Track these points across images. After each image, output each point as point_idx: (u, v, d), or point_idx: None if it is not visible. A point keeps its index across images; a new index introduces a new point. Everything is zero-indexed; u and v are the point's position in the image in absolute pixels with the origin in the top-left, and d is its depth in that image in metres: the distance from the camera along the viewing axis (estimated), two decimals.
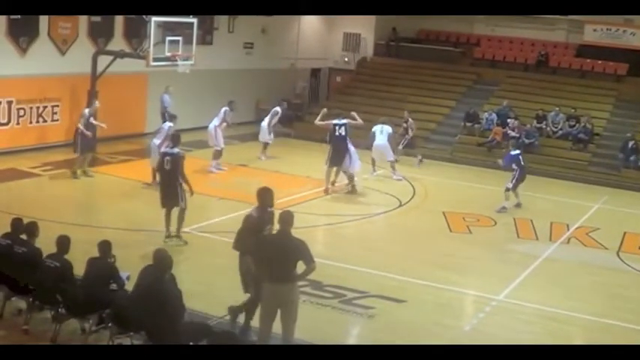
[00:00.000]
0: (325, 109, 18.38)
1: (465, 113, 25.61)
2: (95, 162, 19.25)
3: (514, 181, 17.27)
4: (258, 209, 9.23)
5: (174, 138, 13.10)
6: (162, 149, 13.60)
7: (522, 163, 17.50)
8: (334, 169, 17.54)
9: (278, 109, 21.61)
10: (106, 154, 19.95)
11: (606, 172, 22.80)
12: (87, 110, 17.20)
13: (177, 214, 12.76)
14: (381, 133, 19.44)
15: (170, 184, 12.65)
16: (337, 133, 17.34)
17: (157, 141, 16.63)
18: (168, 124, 16.80)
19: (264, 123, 21.20)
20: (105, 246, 8.91)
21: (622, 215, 18.22)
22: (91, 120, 16.91)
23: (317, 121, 18.22)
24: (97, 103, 17.49)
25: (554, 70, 27.99)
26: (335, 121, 17.45)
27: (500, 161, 18.49)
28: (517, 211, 17.15)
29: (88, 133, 16.84)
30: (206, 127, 19.32)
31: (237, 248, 9.28)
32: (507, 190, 17.25)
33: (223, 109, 19.26)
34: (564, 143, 24.26)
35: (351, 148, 17.48)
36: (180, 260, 8.82)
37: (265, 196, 9.27)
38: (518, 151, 17.89)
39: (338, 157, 17.32)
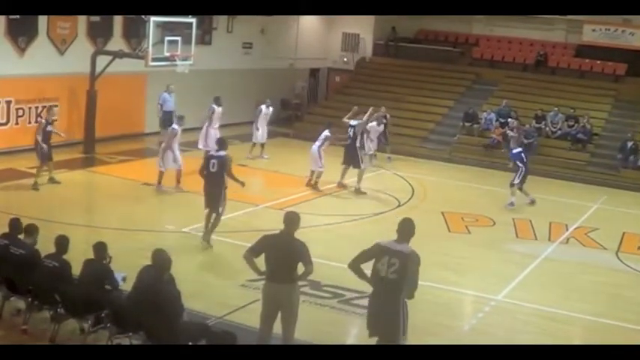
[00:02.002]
0: (356, 107, 18.72)
1: (464, 113, 25.62)
2: (94, 162, 19.32)
3: (520, 177, 17.67)
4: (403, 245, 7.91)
5: (221, 142, 13.13)
6: (210, 152, 13.42)
7: (525, 160, 17.86)
8: (345, 167, 18.07)
9: (262, 107, 21.36)
10: (105, 154, 19.97)
11: (605, 172, 22.82)
12: (44, 120, 16.31)
13: (212, 219, 12.78)
14: None
15: (215, 186, 12.67)
16: (348, 134, 17.96)
17: (164, 144, 16.64)
18: (174, 125, 16.72)
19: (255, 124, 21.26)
20: (100, 248, 8.89)
21: (621, 215, 18.24)
22: (49, 128, 16.00)
23: (344, 119, 18.62)
24: (55, 111, 16.83)
25: (553, 70, 28.01)
26: (352, 122, 18.06)
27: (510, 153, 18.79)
28: (516, 211, 17.19)
29: (44, 145, 15.77)
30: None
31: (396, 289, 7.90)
32: (512, 185, 17.69)
33: (209, 107, 19.23)
34: (563, 143, 24.28)
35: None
36: (179, 260, 8.80)
37: (409, 228, 7.99)
38: (520, 149, 18.23)
39: (346, 157, 17.96)
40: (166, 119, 21.40)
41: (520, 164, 17.74)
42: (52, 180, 16.30)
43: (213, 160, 12.70)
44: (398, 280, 7.65)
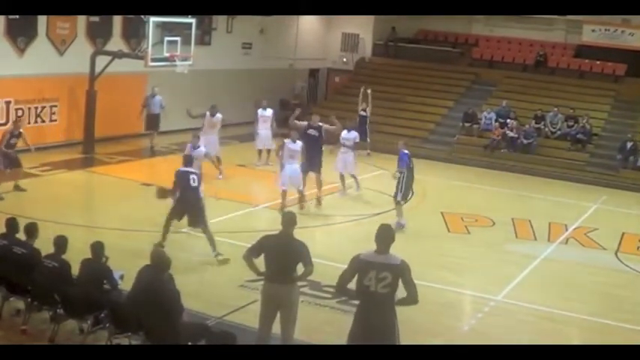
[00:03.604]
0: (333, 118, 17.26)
1: (464, 113, 25.63)
2: (93, 162, 19.32)
3: (403, 188, 14.87)
4: None
5: (186, 159, 12.82)
6: (184, 169, 12.62)
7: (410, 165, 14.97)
8: (309, 174, 16.32)
9: (258, 110, 20.58)
10: (105, 154, 19.97)
11: (604, 173, 22.82)
12: (8, 132, 15.80)
13: (205, 236, 12.36)
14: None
15: (196, 202, 12.39)
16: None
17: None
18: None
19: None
20: (97, 247, 8.90)
21: (620, 215, 18.24)
22: (12, 141, 15.53)
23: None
24: (21, 124, 16.35)
25: (553, 71, 28.01)
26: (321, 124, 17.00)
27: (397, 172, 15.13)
28: (515, 212, 17.16)
29: (9, 151, 15.38)
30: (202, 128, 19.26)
31: None
32: (398, 202, 14.99)
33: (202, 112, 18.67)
34: (562, 143, 24.27)
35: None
36: (178, 260, 8.81)
37: (389, 235, 7.64)
38: (406, 151, 15.03)
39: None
40: (151, 121, 21.32)
41: (404, 168, 14.80)
42: (17, 187, 15.68)
43: (193, 176, 12.36)
44: (390, 292, 7.36)
